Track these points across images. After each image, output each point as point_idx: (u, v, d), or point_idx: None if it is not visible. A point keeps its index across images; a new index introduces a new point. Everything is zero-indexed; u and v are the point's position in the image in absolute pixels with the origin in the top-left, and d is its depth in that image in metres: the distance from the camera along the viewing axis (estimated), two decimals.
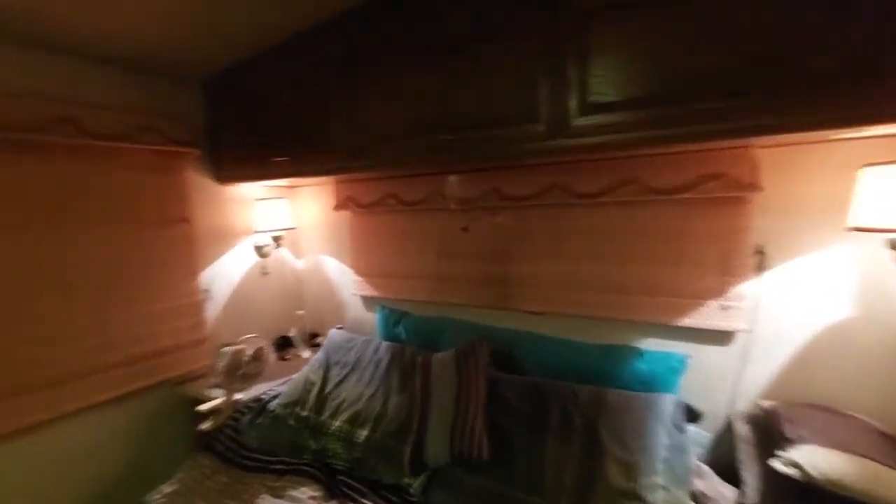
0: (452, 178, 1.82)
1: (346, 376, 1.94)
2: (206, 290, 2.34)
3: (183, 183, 2.25)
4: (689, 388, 1.58)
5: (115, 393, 1.97)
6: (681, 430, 1.41)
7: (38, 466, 1.77)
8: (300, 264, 2.77)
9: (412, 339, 2.11)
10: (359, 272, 2.46)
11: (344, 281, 2.56)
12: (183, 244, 2.25)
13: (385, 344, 2.03)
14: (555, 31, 1.34)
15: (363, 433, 1.69)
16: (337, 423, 1.76)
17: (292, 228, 2.59)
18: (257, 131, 2.15)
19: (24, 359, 1.71)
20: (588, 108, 1.32)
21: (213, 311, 2.37)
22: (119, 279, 2.00)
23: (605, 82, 1.29)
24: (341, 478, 1.63)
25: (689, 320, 1.60)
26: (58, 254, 1.82)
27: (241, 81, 2.18)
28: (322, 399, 1.88)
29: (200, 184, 2.33)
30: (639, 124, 1.26)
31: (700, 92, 1.18)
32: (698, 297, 1.59)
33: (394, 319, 2.24)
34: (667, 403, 1.43)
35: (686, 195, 1.54)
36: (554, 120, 1.37)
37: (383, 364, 1.92)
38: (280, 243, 2.54)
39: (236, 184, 2.38)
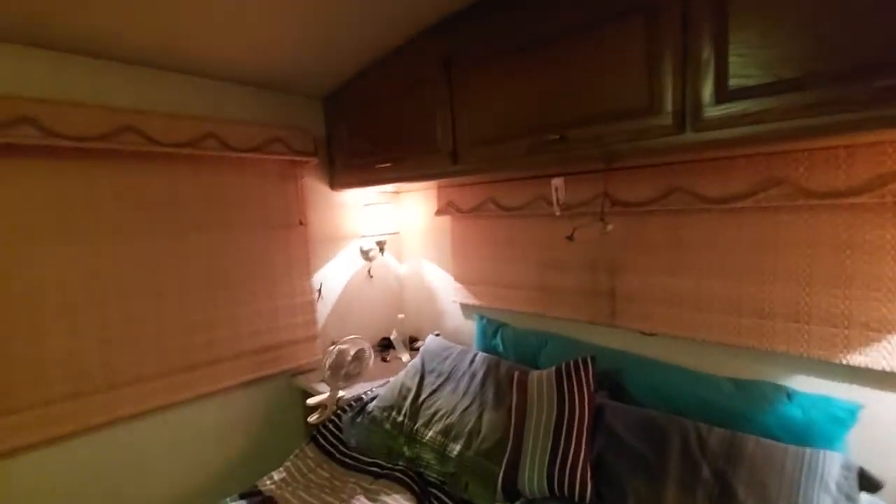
0: (557, 182, 1.69)
1: (440, 385, 1.91)
2: (318, 290, 2.50)
3: (302, 189, 2.44)
4: (859, 448, 1.25)
5: (240, 379, 2.19)
6: (853, 501, 1.10)
7: (182, 438, 2.03)
8: (402, 269, 2.83)
9: (510, 352, 2.01)
10: (458, 279, 2.43)
11: (443, 287, 2.55)
12: (300, 246, 2.43)
13: (481, 355, 1.96)
14: (684, 2, 1.15)
15: (456, 448, 1.64)
16: (430, 434, 1.74)
17: (396, 233, 2.67)
18: (365, 140, 2.25)
19: (171, 346, 1.98)
20: (726, 95, 1.10)
21: (323, 310, 2.53)
22: (246, 277, 2.22)
23: (748, 62, 1.06)
24: (433, 490, 1.60)
25: (861, 358, 1.26)
26: (199, 253, 2.08)
27: (352, 94, 2.30)
28: (417, 406, 1.87)
29: (316, 190, 2.50)
30: (794, 111, 1.01)
31: (881, 66, 0.91)
32: (873, 329, 1.25)
33: (491, 330, 2.16)
34: (832, 464, 1.13)
35: (857, 199, 1.23)
36: (682, 111, 1.17)
37: (478, 377, 1.85)
38: (384, 247, 2.63)
39: (347, 189, 2.51)
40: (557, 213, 1.69)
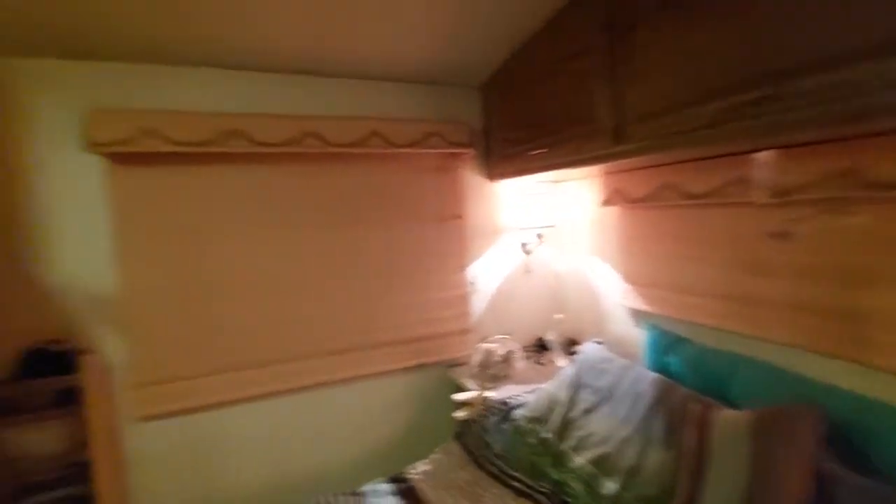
0: (763, 158, 1.24)
1: (596, 404, 1.65)
2: (473, 284, 2.45)
3: (459, 181, 2.42)
4: None
5: (396, 366, 2.30)
6: None
7: (339, 414, 2.24)
8: (562, 265, 2.58)
9: (687, 375, 1.61)
10: (627, 279, 2.08)
11: (609, 288, 2.22)
12: (455, 239, 2.42)
13: (651, 375, 1.62)
14: None
15: (610, 485, 1.37)
16: (580, 460, 1.51)
17: (556, 226, 2.43)
18: (519, 126, 2.08)
19: (335, 328, 2.18)
20: None
21: (478, 304, 2.48)
22: (403, 268, 2.31)
23: None
24: None
25: None
26: (361, 245, 2.24)
27: (506, 79, 2.15)
28: (566, 424, 1.65)
29: (473, 181, 2.45)
30: None
31: None
32: None
33: (665, 344, 1.77)
34: None
35: None
36: None
37: (644, 401, 1.53)
38: (543, 241, 2.43)
39: (504, 179, 2.39)
40: (761, 201, 1.25)
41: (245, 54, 1.86)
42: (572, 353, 2.24)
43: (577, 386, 1.76)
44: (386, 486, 1.70)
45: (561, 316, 2.41)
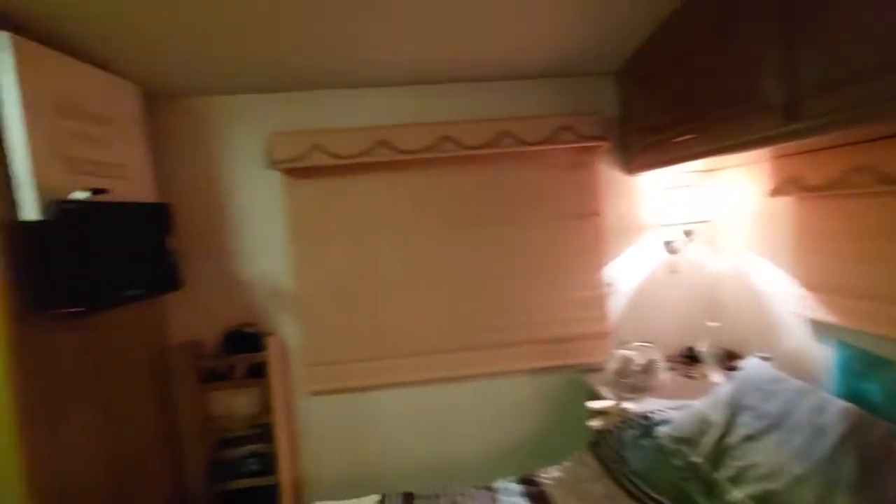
0: None
1: (762, 431, 1.40)
2: (611, 284, 2.30)
3: (595, 176, 2.30)
4: None
5: (530, 366, 2.29)
6: None
7: (472, 408, 2.31)
8: (717, 265, 2.25)
9: (892, 406, 1.27)
10: (805, 284, 1.72)
11: (779, 293, 1.87)
12: (592, 237, 2.31)
13: (839, 404, 1.31)
14: None
15: None
16: (739, 495, 1.30)
17: (709, 221, 2.14)
18: (662, 110, 1.88)
19: (475, 324, 2.27)
20: None
21: (616, 306, 2.32)
22: (537, 267, 2.29)
23: None
24: None
25: None
26: (496, 244, 2.27)
27: (646, 60, 1.96)
28: (721, 450, 1.44)
29: (610, 176, 2.30)
30: None
31: None
32: None
33: (861, 367, 1.42)
34: None
35: None
36: None
37: (830, 435, 1.25)
38: (692, 238, 2.15)
39: (644, 172, 2.18)
40: None
41: (393, 71, 2.05)
42: (731, 369, 1.94)
43: (736, 407, 1.53)
44: (517, 486, 1.70)
45: (716, 324, 2.11)
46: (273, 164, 2.09)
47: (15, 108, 1.32)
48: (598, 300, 2.31)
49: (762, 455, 1.34)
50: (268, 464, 2.14)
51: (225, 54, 1.76)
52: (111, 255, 1.59)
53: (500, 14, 1.60)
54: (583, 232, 2.30)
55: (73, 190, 1.47)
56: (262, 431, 2.17)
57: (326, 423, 2.26)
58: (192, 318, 2.16)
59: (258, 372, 2.14)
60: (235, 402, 2.21)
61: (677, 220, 2.14)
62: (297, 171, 2.14)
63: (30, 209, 1.35)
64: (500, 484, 1.72)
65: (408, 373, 2.26)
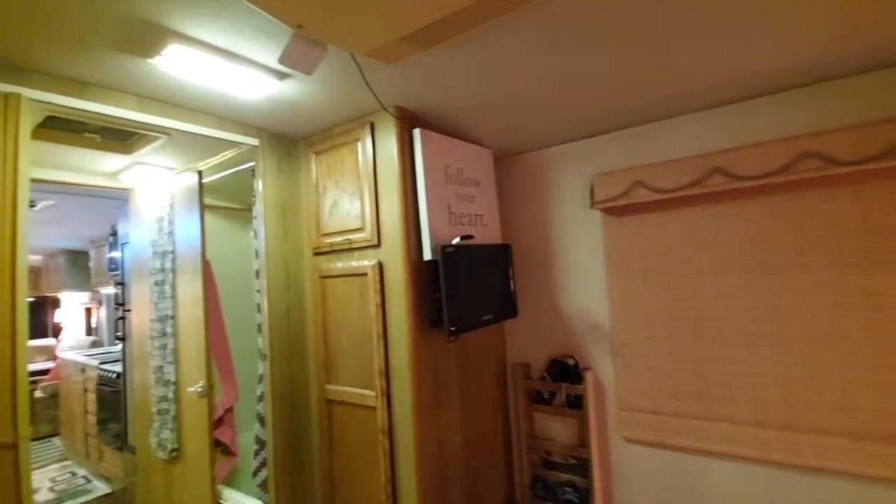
0: None
1: None
2: None
3: None
4: None
5: None
6: None
7: None
8: None
9: None
10: None
11: None
12: None
13: None
14: None
15: None
16: None
17: None
18: None
19: (855, 402, 1.67)
20: None
21: None
22: None
23: None
24: None
25: None
26: (867, 293, 1.65)
27: None
28: None
29: None
30: None
31: None
32: None
33: None
34: None
35: None
36: None
37: None
38: None
39: None
40: None
41: (712, 92, 1.84)
42: None
43: None
44: None
45: None
46: (594, 204, 2.17)
47: (421, 181, 1.88)
48: None
49: None
50: (583, 499, 2.17)
51: (559, 116, 2.00)
52: (475, 287, 2.01)
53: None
54: None
55: (453, 237, 1.95)
56: (579, 464, 2.22)
57: (642, 475, 2.12)
58: (523, 343, 2.47)
59: (577, 403, 2.22)
60: (555, 427, 2.35)
61: None
62: (616, 209, 2.17)
63: (427, 252, 1.87)
64: None
65: (744, 445, 1.86)
